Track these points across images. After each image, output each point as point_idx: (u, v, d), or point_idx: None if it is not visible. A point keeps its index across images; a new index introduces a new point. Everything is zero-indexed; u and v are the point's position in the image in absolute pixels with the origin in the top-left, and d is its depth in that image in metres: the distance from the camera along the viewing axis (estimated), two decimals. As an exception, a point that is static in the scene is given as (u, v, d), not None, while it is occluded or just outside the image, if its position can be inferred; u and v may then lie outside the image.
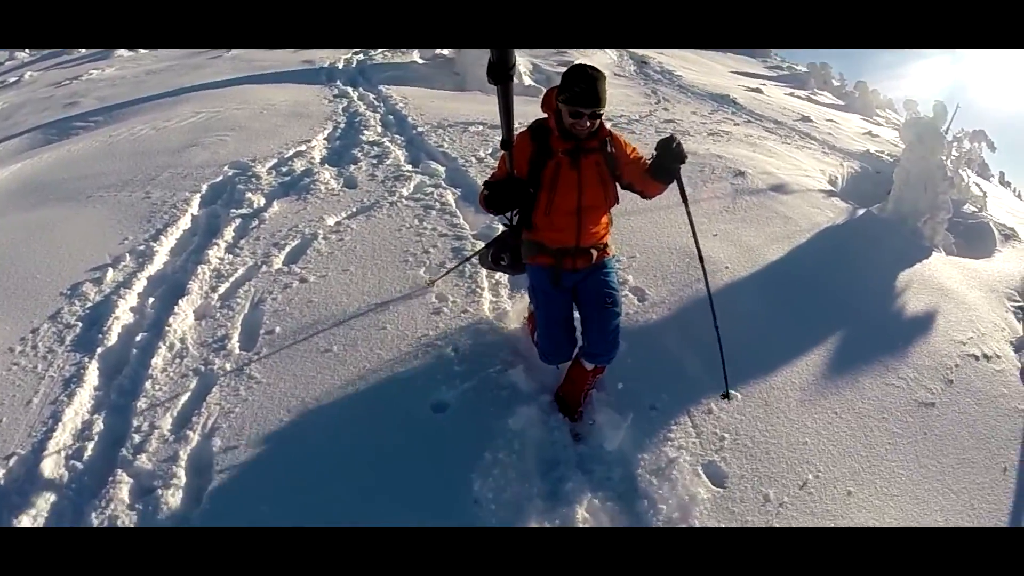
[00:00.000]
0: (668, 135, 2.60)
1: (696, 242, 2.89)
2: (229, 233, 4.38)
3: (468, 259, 3.94)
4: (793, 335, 3.76)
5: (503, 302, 3.70)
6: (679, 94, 11.51)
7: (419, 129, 7.04)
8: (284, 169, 5.54)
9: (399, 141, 6.63)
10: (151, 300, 3.72)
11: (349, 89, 9.36)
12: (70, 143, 7.12)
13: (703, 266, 2.96)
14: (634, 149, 2.68)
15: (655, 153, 2.58)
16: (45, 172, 6.00)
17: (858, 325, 3.98)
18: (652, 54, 15.96)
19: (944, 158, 6.46)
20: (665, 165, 2.57)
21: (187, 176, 5.45)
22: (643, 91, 11.23)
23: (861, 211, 6.09)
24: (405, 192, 5.06)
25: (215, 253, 4.09)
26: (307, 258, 3.98)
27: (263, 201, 4.88)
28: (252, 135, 6.59)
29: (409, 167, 5.71)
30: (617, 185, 2.68)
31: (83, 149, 6.64)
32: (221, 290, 3.72)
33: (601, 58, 13.97)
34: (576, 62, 2.51)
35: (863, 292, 4.45)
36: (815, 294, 4.22)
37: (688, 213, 2.83)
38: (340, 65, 11.57)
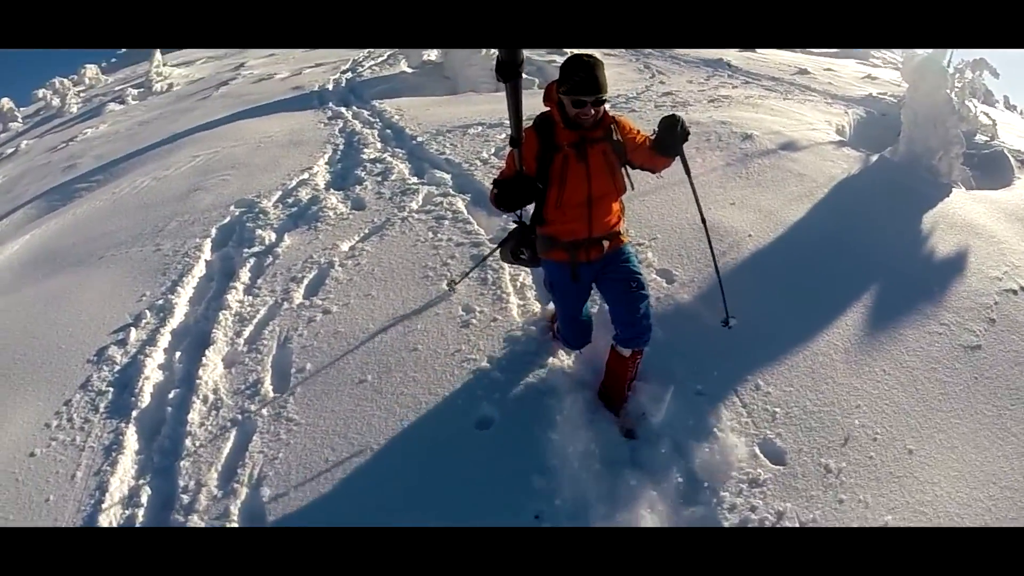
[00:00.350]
0: (670, 114, 2.59)
1: (700, 210, 2.89)
2: (245, 274, 4.32)
3: (486, 258, 3.90)
4: (828, 296, 3.65)
5: (531, 304, 3.60)
6: (672, 65, 11.33)
7: (418, 139, 6.94)
8: (290, 200, 5.47)
9: (400, 154, 6.54)
10: (178, 355, 3.68)
11: (343, 109, 9.29)
12: (75, 206, 7.13)
13: (706, 227, 2.97)
14: (639, 131, 2.67)
15: (656, 131, 2.59)
16: (54, 239, 5.99)
17: (891, 276, 3.88)
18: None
19: (949, 92, 6.30)
20: (667, 142, 2.58)
21: (195, 222, 5.42)
22: (636, 67, 11.06)
23: (874, 157, 5.95)
24: (414, 205, 4.97)
25: (234, 297, 4.03)
26: (327, 288, 3.91)
27: (274, 236, 4.82)
28: (253, 171, 6.54)
29: (415, 179, 5.62)
30: (627, 172, 2.66)
31: (88, 211, 6.65)
32: (246, 334, 3.67)
33: (587, 40, 13.80)
34: (569, 52, 2.46)
35: (890, 241, 4.34)
36: (843, 250, 4.11)
37: (692, 186, 2.83)
38: (330, 87, 11.53)
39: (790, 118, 7.34)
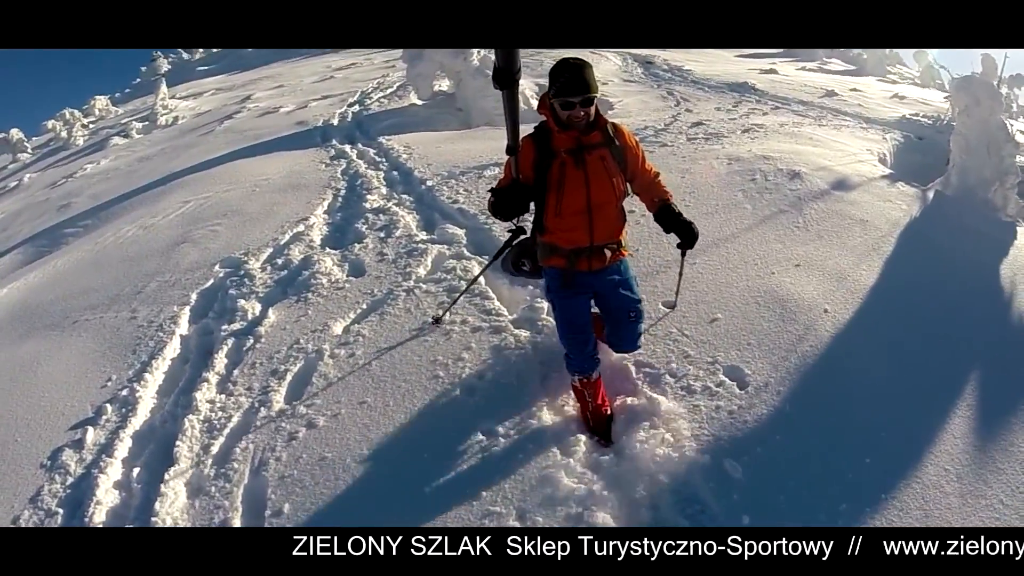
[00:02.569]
0: (690, 224, 2.71)
1: (677, 288, 3.16)
2: (220, 360, 3.65)
3: (475, 280, 3.73)
4: (926, 393, 3.00)
5: (570, 413, 2.86)
6: (696, 91, 10.68)
7: (428, 183, 6.28)
8: (280, 261, 4.81)
9: (407, 202, 5.87)
10: (136, 471, 3.02)
11: (347, 147, 8.67)
12: (59, 256, 6.58)
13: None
14: (638, 143, 2.68)
15: (675, 221, 2.70)
16: (33, 295, 5.45)
17: (984, 359, 3.28)
18: (655, 52, 15.21)
19: (1004, 116, 5.72)
20: (673, 231, 2.72)
21: (175, 284, 4.80)
22: (659, 94, 10.42)
23: (930, 194, 5.37)
24: (422, 271, 4.26)
25: (205, 395, 3.34)
26: (313, 389, 3.19)
27: (258, 308, 4.16)
28: (245, 220, 5.92)
29: (423, 235, 4.93)
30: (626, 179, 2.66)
31: (70, 263, 6.10)
32: (215, 450, 2.97)
33: (606, 65, 13.25)
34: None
35: (974, 308, 3.76)
36: (929, 326, 3.49)
37: (679, 280, 3.13)
38: (335, 121, 10.96)
39: (832, 148, 6.77)
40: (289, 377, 3.34)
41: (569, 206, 2.49)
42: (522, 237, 2.84)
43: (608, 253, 2.62)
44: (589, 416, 2.78)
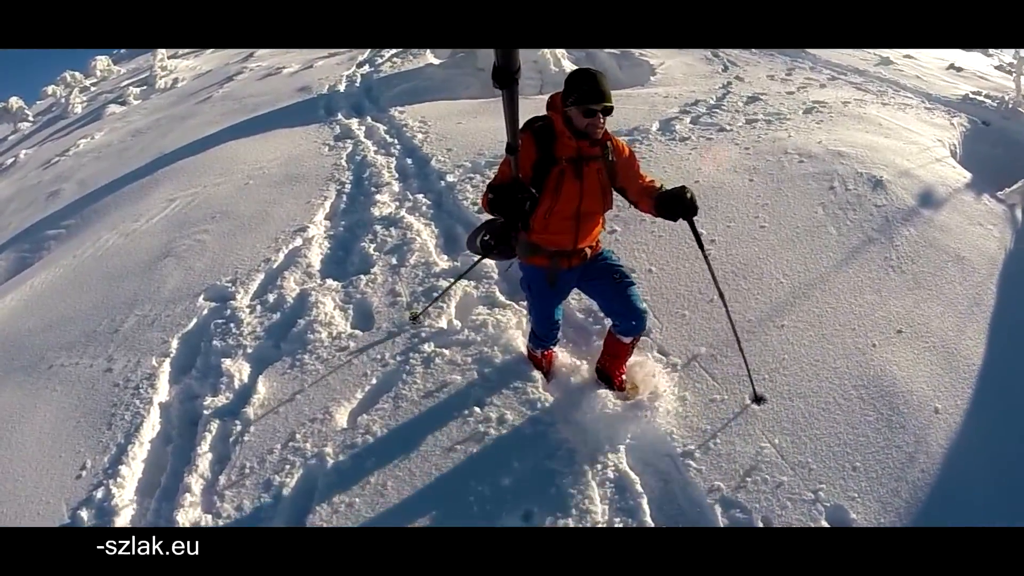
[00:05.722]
0: (681, 187, 2.49)
1: (716, 284, 2.79)
2: (205, 456, 2.92)
3: (456, 282, 3.60)
4: None
5: None
6: (742, 51, 9.48)
7: (448, 178, 5.41)
8: (272, 297, 4.02)
9: (424, 207, 5.02)
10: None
11: (354, 123, 7.77)
12: (38, 271, 5.87)
13: (724, 302, 2.79)
14: (633, 154, 2.68)
15: (667, 194, 2.51)
16: (11, 322, 4.83)
17: None
18: None
19: None
20: (672, 209, 2.50)
21: (155, 322, 4.11)
22: (703, 55, 9.23)
23: (1017, 211, 4.68)
24: (443, 324, 3.46)
25: (189, 515, 2.61)
26: (315, 519, 2.41)
27: (246, 372, 3.42)
28: (235, 228, 5.15)
29: (444, 262, 4.09)
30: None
31: (48, 282, 5.42)
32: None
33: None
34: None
35: None
36: None
37: (707, 262, 2.74)
38: (341, 87, 9.97)
39: (904, 140, 5.89)
40: (285, 494, 2.60)
41: (560, 212, 2.57)
42: (497, 221, 2.77)
43: (588, 252, 2.75)
44: (544, 367, 3.16)
